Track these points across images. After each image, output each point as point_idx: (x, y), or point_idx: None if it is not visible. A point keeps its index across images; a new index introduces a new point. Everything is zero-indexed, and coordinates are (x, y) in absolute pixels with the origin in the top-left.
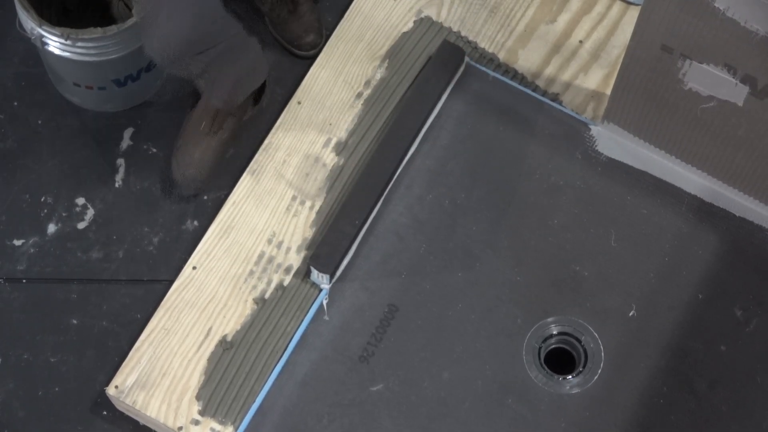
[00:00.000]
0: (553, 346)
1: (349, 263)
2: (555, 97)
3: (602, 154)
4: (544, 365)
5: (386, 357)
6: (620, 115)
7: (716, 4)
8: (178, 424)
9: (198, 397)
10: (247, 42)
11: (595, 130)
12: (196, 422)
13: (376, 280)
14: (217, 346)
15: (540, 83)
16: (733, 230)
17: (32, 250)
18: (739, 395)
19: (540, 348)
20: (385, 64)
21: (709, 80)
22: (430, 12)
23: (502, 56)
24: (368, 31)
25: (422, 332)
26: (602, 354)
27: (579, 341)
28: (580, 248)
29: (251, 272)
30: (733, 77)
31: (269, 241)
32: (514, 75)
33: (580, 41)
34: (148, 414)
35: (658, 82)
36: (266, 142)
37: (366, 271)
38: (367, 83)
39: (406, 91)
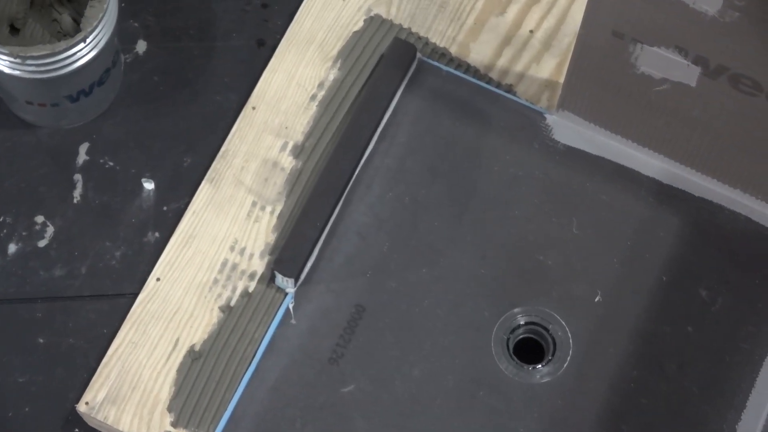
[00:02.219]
0: (522, 336)
1: (313, 266)
2: (509, 89)
3: (559, 142)
4: (513, 356)
5: (356, 358)
6: (575, 102)
7: None
8: None
9: (170, 409)
10: None
11: (551, 119)
12: None
13: (341, 282)
14: (185, 356)
15: (493, 75)
16: (694, 211)
17: None
18: (709, 375)
19: (508, 339)
20: (338, 65)
21: (661, 63)
22: (380, 10)
23: (454, 50)
24: (319, 33)
25: (390, 331)
26: (570, 342)
27: (547, 330)
28: (543, 238)
29: (215, 280)
30: (685, 59)
31: (232, 248)
32: (467, 69)
33: (531, 31)
34: (120, 429)
35: (611, 68)
36: (223, 149)
37: (330, 272)
38: (321, 85)
39: (360, 90)
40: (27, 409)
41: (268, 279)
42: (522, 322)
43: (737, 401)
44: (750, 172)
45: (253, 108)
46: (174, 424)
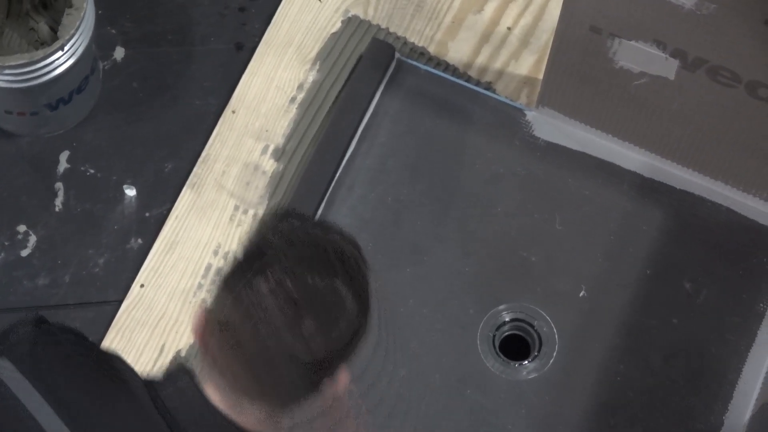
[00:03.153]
0: (507, 333)
1: None
2: (488, 86)
3: (540, 138)
4: (499, 353)
5: None
6: (554, 98)
7: None
8: None
9: None
10: None
11: (531, 115)
12: None
13: None
14: (172, 362)
15: (472, 73)
16: (676, 204)
17: None
18: (695, 367)
19: (494, 336)
20: (317, 67)
21: (639, 57)
22: (357, 11)
23: (432, 49)
24: (297, 35)
25: (376, 331)
26: (556, 337)
27: (532, 326)
28: (526, 234)
29: (200, 285)
30: (663, 52)
31: (215, 253)
32: (446, 67)
33: (509, 28)
34: None
35: (590, 63)
36: (204, 154)
37: None
38: (300, 87)
39: (339, 92)
40: None
41: None
42: (507, 319)
43: (724, 392)
44: (731, 164)
45: (233, 112)
46: None
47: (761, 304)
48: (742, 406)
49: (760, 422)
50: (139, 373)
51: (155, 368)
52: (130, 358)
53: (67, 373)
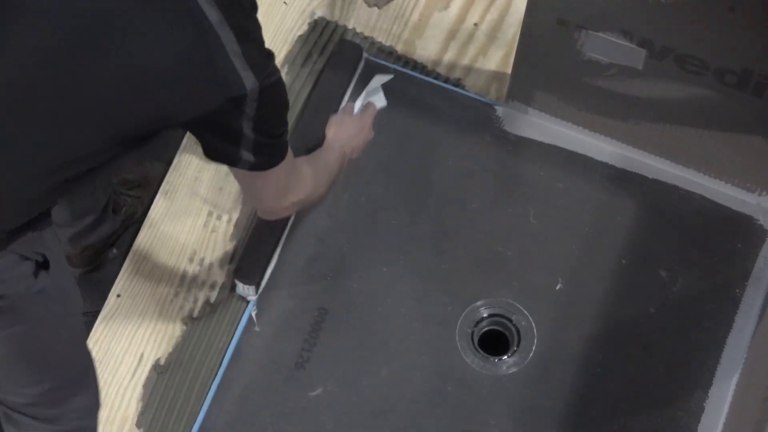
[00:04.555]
0: (486, 328)
1: (274, 272)
2: (457, 83)
3: (511, 133)
4: (479, 349)
5: (322, 361)
6: (524, 92)
7: None
8: None
9: (138, 425)
10: None
11: (501, 110)
12: None
13: (302, 286)
14: (151, 371)
15: (441, 70)
16: (649, 193)
17: None
18: (674, 355)
19: (473, 332)
20: (285, 70)
21: (607, 48)
22: (323, 12)
23: (400, 48)
24: (264, 38)
25: (355, 332)
26: (534, 331)
27: (510, 321)
28: (501, 229)
29: (176, 293)
30: (631, 42)
31: (191, 260)
32: (415, 65)
33: (475, 24)
34: None
35: (558, 56)
36: (175, 161)
37: (291, 277)
38: None
39: (309, 93)
40: None
41: (229, 288)
42: (485, 315)
43: (703, 379)
44: (702, 151)
45: None
46: None
47: (737, 290)
48: (723, 392)
49: (741, 408)
50: (117, 384)
51: (134, 378)
52: (108, 369)
53: None
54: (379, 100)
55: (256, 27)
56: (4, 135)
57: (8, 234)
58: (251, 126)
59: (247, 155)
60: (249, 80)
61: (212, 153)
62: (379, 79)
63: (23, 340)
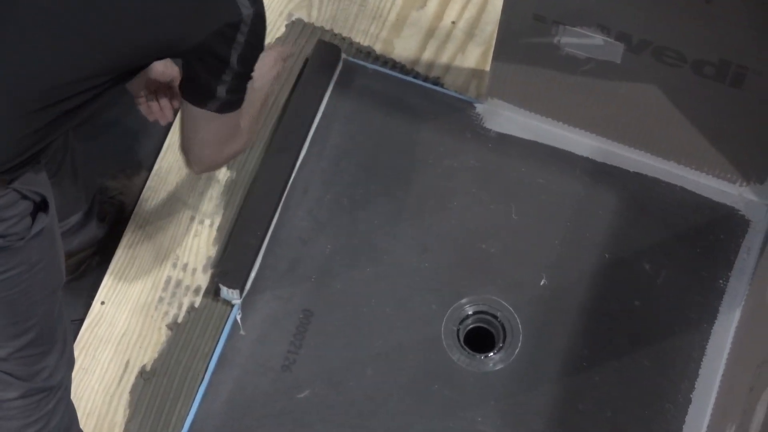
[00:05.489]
0: (471, 326)
1: (258, 275)
2: (436, 81)
3: (491, 130)
4: (464, 347)
5: (308, 363)
6: (503, 89)
7: None
8: None
9: None
10: None
11: (481, 107)
12: None
13: (286, 288)
14: (137, 377)
15: (420, 69)
16: (630, 186)
17: None
18: (660, 347)
19: (458, 330)
20: None
21: (585, 43)
22: (301, 14)
23: (378, 48)
24: None
25: (340, 333)
26: (520, 327)
27: (496, 318)
28: (484, 226)
29: (161, 299)
30: (608, 36)
31: (174, 265)
32: (394, 65)
33: (453, 22)
34: None
35: (536, 52)
36: (156, 167)
37: (275, 280)
38: None
39: (288, 96)
40: None
41: (213, 292)
42: (470, 312)
43: (690, 371)
44: (682, 143)
45: None
46: None
47: (721, 281)
48: (709, 383)
49: (727, 398)
50: (103, 391)
51: (121, 384)
52: (95, 376)
53: None
54: None
55: None
56: (3, 47)
57: (8, 171)
58: (237, 56)
59: (221, 91)
60: (245, 6)
61: (191, 87)
62: None
63: (13, 287)
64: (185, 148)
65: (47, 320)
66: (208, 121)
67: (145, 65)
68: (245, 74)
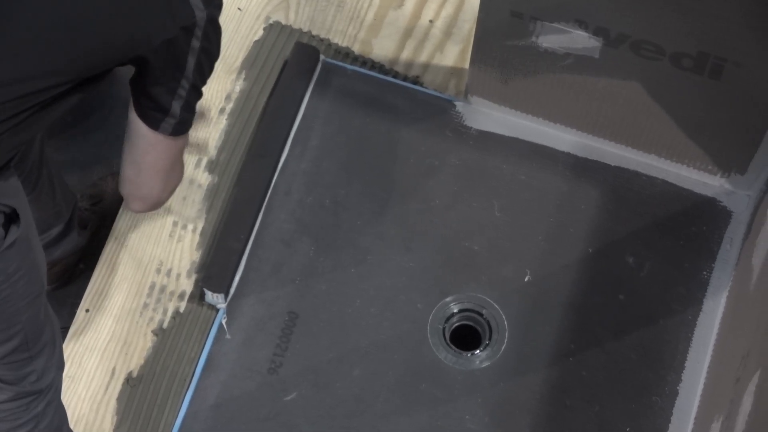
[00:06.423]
0: (457, 324)
1: (242, 279)
2: (416, 80)
3: (471, 128)
4: (451, 345)
5: (294, 365)
6: (482, 86)
7: None
8: None
9: None
10: None
11: (460, 105)
12: None
13: (271, 291)
14: (124, 384)
15: (399, 69)
16: (612, 180)
17: None
18: (645, 340)
19: (444, 328)
20: (243, 76)
21: (563, 38)
22: (278, 16)
23: (356, 49)
24: None
25: (326, 334)
26: (506, 324)
27: (481, 315)
28: (467, 224)
29: (145, 305)
30: (586, 31)
31: (158, 271)
32: (372, 65)
33: (431, 21)
34: None
35: (514, 49)
36: None
37: (259, 283)
38: (228, 97)
39: (268, 98)
40: None
41: (198, 297)
42: (456, 310)
43: (676, 363)
44: (662, 136)
45: None
46: None
47: (704, 273)
48: (696, 374)
49: (714, 389)
50: (90, 399)
51: (108, 392)
52: (81, 384)
53: None
54: None
55: None
56: None
57: None
58: (194, 64)
59: (176, 108)
60: (198, 9)
61: (146, 105)
62: None
63: None
64: (131, 182)
65: (32, 326)
66: (158, 146)
67: (104, 70)
68: (198, 88)
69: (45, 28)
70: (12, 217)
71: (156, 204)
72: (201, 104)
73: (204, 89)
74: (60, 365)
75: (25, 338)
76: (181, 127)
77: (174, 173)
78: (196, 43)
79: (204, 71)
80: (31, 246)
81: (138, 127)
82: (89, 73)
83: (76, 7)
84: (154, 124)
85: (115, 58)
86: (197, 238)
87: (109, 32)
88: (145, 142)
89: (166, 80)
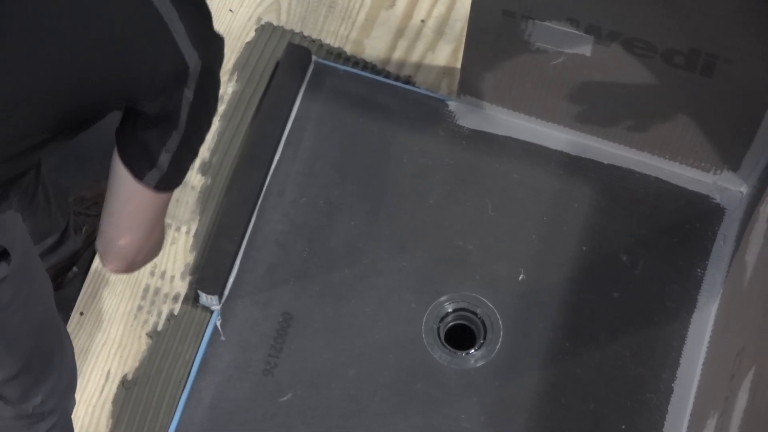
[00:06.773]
0: (452, 323)
1: (236, 280)
2: (408, 80)
3: (464, 127)
4: (445, 344)
5: (289, 366)
6: (474, 86)
7: None
8: None
9: None
10: None
11: (453, 105)
12: None
13: (265, 292)
14: (119, 387)
15: (391, 69)
16: (605, 178)
17: None
18: (640, 338)
19: (438, 328)
20: (235, 77)
21: (554, 37)
22: (270, 18)
23: (348, 49)
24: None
25: (320, 335)
26: (500, 323)
27: (475, 314)
28: (460, 223)
29: (140, 307)
30: (577, 29)
31: (152, 273)
32: (364, 65)
33: (422, 20)
34: None
35: (506, 47)
36: None
37: (254, 284)
38: (220, 99)
39: (260, 100)
40: None
41: (192, 299)
42: (450, 310)
43: (671, 360)
44: (655, 134)
45: None
46: None
47: (698, 270)
48: (690, 371)
49: (709, 386)
50: (86, 403)
51: (103, 395)
52: (76, 388)
53: None
54: None
55: (202, 6)
56: None
57: None
58: (186, 116)
59: (163, 160)
60: (191, 58)
61: (132, 149)
62: None
63: None
64: (106, 237)
65: (37, 353)
66: (138, 198)
67: (90, 118)
68: (192, 144)
69: (29, 89)
70: (2, 255)
71: (131, 265)
72: None
73: (201, 149)
74: (70, 387)
75: (28, 366)
76: (167, 183)
77: (153, 234)
78: (189, 94)
79: (200, 125)
80: (27, 278)
81: (120, 173)
82: (81, 121)
83: (50, 59)
84: (138, 173)
85: (106, 105)
86: (191, 240)
87: (90, 81)
88: (125, 192)
89: (158, 130)
